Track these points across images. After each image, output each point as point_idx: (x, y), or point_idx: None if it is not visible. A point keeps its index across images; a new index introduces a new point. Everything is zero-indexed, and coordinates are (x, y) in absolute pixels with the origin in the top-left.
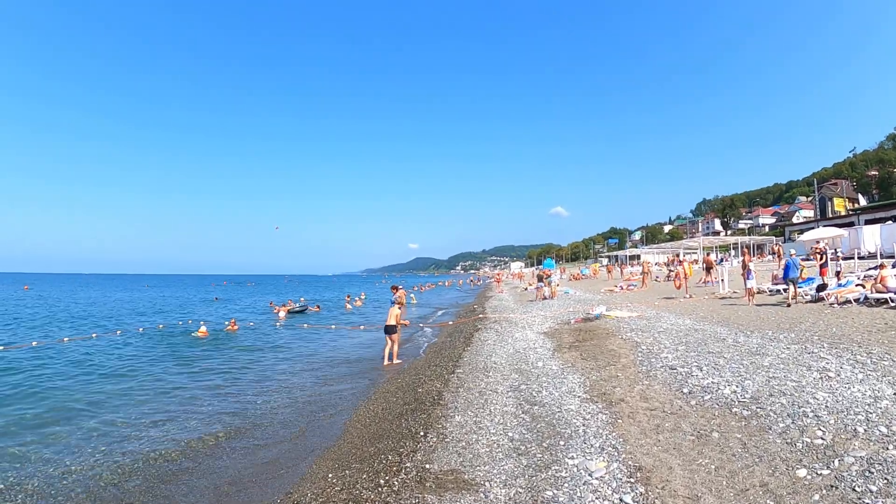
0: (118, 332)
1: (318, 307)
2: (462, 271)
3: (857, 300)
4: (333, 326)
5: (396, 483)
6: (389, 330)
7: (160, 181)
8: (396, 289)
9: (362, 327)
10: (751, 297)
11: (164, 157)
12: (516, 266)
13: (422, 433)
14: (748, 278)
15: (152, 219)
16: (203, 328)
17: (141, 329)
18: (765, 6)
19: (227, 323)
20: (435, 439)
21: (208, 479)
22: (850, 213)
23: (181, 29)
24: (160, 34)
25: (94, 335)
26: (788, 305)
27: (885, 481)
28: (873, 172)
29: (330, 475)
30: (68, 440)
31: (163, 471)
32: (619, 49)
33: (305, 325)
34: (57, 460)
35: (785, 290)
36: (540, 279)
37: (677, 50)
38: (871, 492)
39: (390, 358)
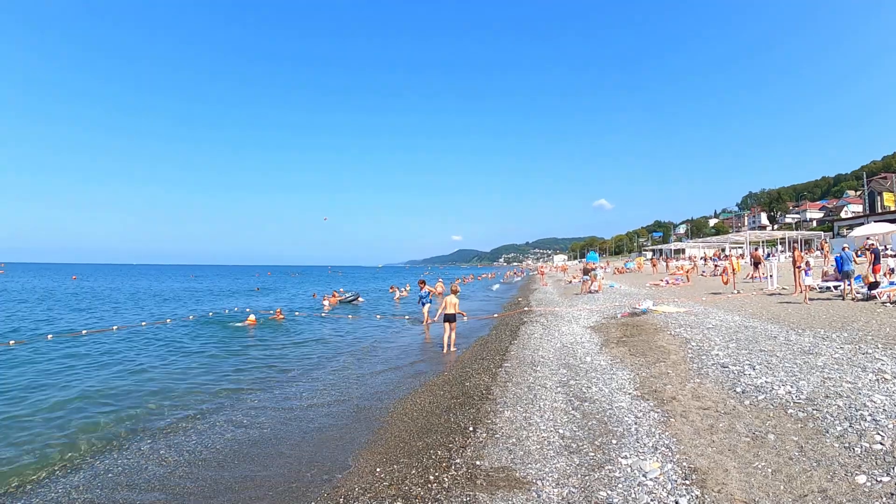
0: (168, 320)
1: (360, 298)
2: (505, 263)
3: None
4: (378, 317)
5: (446, 479)
6: (449, 318)
7: (209, 177)
8: (424, 283)
9: (407, 318)
10: (806, 294)
11: (209, 155)
12: (559, 259)
13: (471, 428)
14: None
15: (202, 213)
16: (252, 317)
17: (192, 317)
18: None
19: (272, 312)
20: (484, 435)
21: (253, 471)
22: None
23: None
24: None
25: (143, 324)
26: (843, 299)
27: None
28: None
29: (378, 469)
30: (113, 431)
31: (208, 463)
32: (664, 43)
33: (350, 317)
34: (103, 453)
35: (836, 286)
36: (585, 272)
37: (723, 43)
38: None
39: (449, 346)
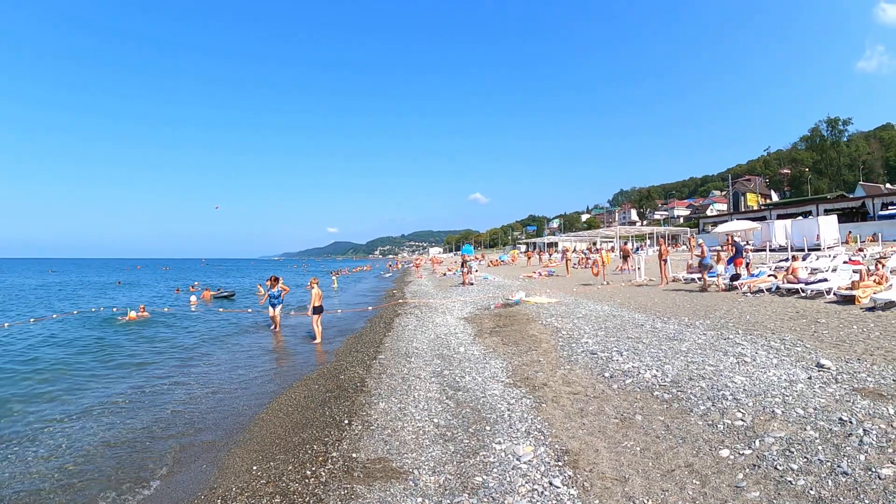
0: (31, 320)
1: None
2: (381, 256)
3: (769, 290)
4: (249, 311)
5: (324, 473)
6: (317, 310)
7: (78, 166)
8: (277, 281)
9: (291, 312)
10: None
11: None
12: (435, 251)
13: (346, 421)
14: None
15: (64, 203)
16: (132, 312)
17: (55, 315)
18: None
19: (130, 310)
20: (360, 427)
21: (124, 473)
22: (763, 207)
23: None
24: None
25: (5, 325)
26: (704, 290)
27: (805, 460)
28: (786, 171)
29: (254, 467)
30: None
31: (76, 466)
32: (553, 56)
33: (221, 310)
34: None
35: (699, 278)
36: (464, 264)
37: (601, 62)
38: (792, 470)
39: (314, 337)
